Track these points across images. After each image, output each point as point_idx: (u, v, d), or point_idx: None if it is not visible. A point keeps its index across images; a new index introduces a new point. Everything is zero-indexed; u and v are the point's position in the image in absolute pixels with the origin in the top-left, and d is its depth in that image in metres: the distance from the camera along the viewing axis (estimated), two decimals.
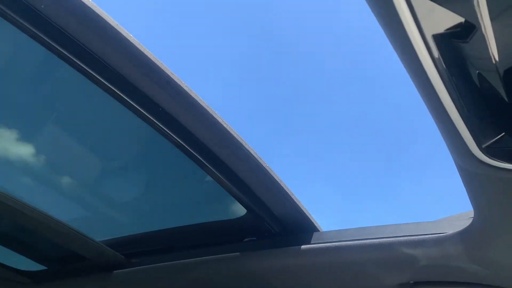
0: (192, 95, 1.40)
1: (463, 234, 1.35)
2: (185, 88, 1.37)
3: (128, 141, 1.93)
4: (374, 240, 1.53)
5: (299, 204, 1.71)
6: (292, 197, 1.69)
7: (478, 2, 0.56)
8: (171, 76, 1.35)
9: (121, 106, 1.44)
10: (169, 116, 1.43)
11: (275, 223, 1.78)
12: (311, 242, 1.66)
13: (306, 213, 1.74)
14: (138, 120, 1.48)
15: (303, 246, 1.65)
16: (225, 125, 1.47)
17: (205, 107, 1.43)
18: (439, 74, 0.71)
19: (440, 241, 1.40)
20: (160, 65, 1.32)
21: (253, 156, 1.56)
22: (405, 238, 1.47)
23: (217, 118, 1.45)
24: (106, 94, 1.39)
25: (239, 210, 1.83)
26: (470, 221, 1.32)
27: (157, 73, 1.32)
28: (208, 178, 1.67)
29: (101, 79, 1.34)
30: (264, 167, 1.58)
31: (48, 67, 1.57)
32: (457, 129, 0.78)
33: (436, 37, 0.65)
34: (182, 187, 2.06)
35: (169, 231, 2.04)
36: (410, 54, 0.68)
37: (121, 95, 1.38)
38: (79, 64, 1.28)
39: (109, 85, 1.36)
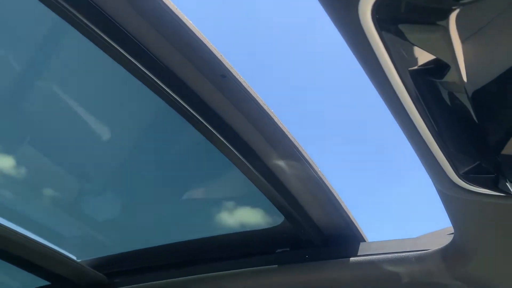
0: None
1: (444, 251, 1.36)
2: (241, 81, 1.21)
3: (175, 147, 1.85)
4: (357, 257, 1.53)
5: (347, 211, 1.54)
6: (341, 203, 1.51)
7: (450, 42, 0.58)
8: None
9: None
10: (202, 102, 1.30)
11: (315, 232, 1.62)
12: (358, 254, 1.53)
13: (354, 222, 1.58)
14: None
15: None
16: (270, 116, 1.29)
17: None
18: (416, 107, 0.72)
19: (421, 259, 1.41)
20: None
21: (298, 152, 1.36)
22: (388, 255, 1.48)
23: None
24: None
25: (272, 218, 1.68)
26: (450, 237, 1.34)
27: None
28: (244, 183, 1.51)
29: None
30: (310, 165, 1.38)
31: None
32: (435, 158, 0.80)
33: (412, 73, 0.66)
34: (209, 191, 1.94)
35: (172, 246, 1.94)
36: (388, 90, 0.69)
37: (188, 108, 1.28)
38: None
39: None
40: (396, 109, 0.74)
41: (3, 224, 1.84)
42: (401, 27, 0.59)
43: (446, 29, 0.55)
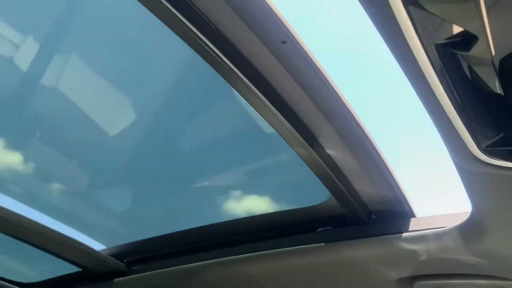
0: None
1: (461, 228, 1.38)
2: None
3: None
4: (376, 237, 1.55)
5: (399, 185, 1.45)
6: (394, 176, 1.42)
7: (479, 13, 0.58)
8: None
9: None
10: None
11: (363, 208, 1.55)
12: (409, 230, 1.46)
13: (405, 196, 1.49)
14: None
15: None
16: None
17: None
18: (440, 81, 0.72)
19: (439, 236, 1.43)
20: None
21: (354, 123, 1.25)
22: (405, 234, 1.49)
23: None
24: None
25: (316, 195, 1.60)
26: (467, 215, 1.35)
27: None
28: (291, 159, 1.43)
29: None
30: (363, 131, 1.27)
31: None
32: (457, 132, 0.80)
33: (437, 47, 0.66)
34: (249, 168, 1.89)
35: (195, 230, 1.91)
36: (411, 64, 0.70)
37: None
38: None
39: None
40: (418, 84, 0.75)
41: (24, 215, 1.88)
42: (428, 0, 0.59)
43: (476, 3, 0.55)
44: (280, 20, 1.00)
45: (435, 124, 0.85)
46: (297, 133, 1.30)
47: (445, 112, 0.77)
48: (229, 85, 1.20)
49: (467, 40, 0.64)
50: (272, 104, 1.22)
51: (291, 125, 1.28)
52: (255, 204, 1.97)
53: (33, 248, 2.05)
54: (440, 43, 0.66)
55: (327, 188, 1.50)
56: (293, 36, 1.03)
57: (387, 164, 1.39)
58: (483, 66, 0.70)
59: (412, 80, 0.76)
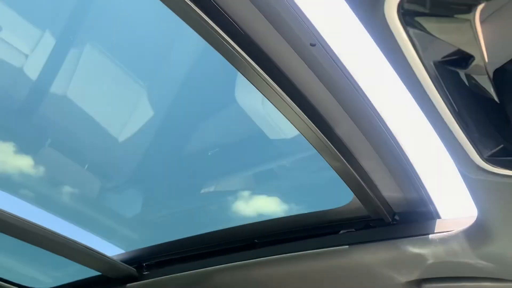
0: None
1: (467, 232, 1.39)
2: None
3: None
4: (382, 240, 1.57)
5: (424, 184, 1.41)
6: (419, 176, 1.38)
7: (473, 33, 0.60)
8: None
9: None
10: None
11: (387, 210, 1.52)
12: (435, 231, 1.44)
13: (430, 196, 1.46)
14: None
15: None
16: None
17: None
18: (440, 95, 0.75)
19: (445, 239, 1.44)
20: None
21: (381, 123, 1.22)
22: (411, 237, 1.51)
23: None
24: None
25: (339, 198, 1.59)
26: (473, 219, 1.36)
27: None
28: (314, 160, 1.42)
29: None
30: (390, 133, 1.24)
31: None
32: (460, 143, 0.82)
33: (436, 64, 0.69)
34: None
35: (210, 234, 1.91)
36: (412, 80, 0.72)
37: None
38: None
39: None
40: (420, 99, 0.77)
41: (37, 223, 1.92)
42: (425, 21, 0.61)
43: (471, 22, 0.58)
44: (309, 21, 0.98)
45: (438, 135, 0.87)
46: (323, 135, 1.28)
47: (446, 124, 0.79)
48: (254, 87, 1.18)
49: (464, 58, 0.66)
50: (298, 106, 1.20)
51: (316, 127, 1.25)
52: (277, 207, 1.98)
53: (46, 254, 2.09)
54: (438, 61, 0.68)
55: (351, 189, 1.47)
56: (323, 39, 1.01)
57: (412, 164, 1.35)
58: (480, 78, 0.72)
59: (414, 94, 0.78)
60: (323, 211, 1.69)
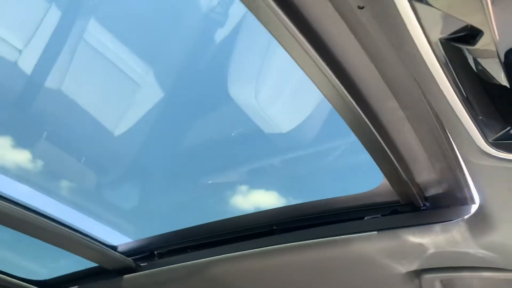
0: None
1: (469, 221, 1.38)
2: None
3: None
4: (383, 230, 1.55)
5: (463, 168, 1.26)
6: (458, 157, 1.21)
7: (483, 7, 0.58)
8: None
9: None
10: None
11: (418, 194, 1.45)
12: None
13: (467, 181, 1.35)
14: None
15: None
16: None
17: None
18: (445, 74, 0.72)
19: (447, 229, 1.43)
20: None
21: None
22: (412, 227, 1.50)
23: None
24: None
25: (368, 181, 1.52)
26: (475, 208, 1.35)
27: None
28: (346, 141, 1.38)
29: None
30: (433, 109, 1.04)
31: None
32: (464, 126, 0.80)
33: (442, 41, 0.66)
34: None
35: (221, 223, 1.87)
36: (417, 59, 0.70)
37: None
38: None
39: None
40: (424, 79, 0.74)
41: (33, 213, 1.90)
42: None
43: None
44: None
45: (442, 120, 0.84)
46: (359, 110, 1.13)
47: (451, 106, 0.77)
48: (284, 49, 1.02)
49: (472, 34, 0.63)
50: (334, 74, 1.05)
51: (352, 99, 1.11)
52: (298, 193, 1.93)
53: (42, 245, 2.07)
54: (445, 38, 0.66)
55: (382, 171, 1.37)
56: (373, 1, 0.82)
57: (454, 146, 1.18)
58: (488, 59, 0.70)
59: (417, 75, 0.75)
60: (347, 196, 1.63)
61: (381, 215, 1.57)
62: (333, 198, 1.68)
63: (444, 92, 0.75)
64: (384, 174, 1.39)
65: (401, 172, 1.34)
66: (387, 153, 1.26)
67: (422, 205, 1.50)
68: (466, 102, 0.76)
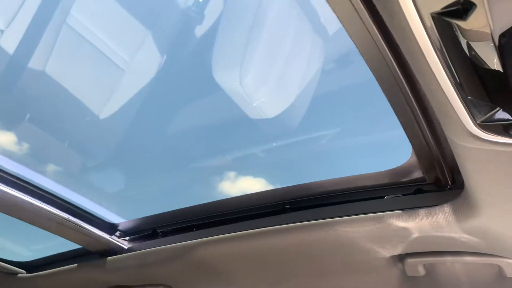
0: None
1: (454, 205, 1.38)
2: None
3: None
4: (367, 214, 1.55)
5: None
6: None
7: None
8: None
9: None
10: None
11: (448, 173, 1.36)
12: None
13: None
14: None
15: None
16: None
17: None
18: (436, 54, 0.71)
19: (431, 213, 1.43)
20: None
21: None
22: (397, 211, 1.50)
23: None
24: None
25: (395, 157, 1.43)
26: (460, 192, 1.35)
27: None
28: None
29: None
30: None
31: None
32: (452, 107, 0.79)
33: (434, 16, 0.64)
34: None
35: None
36: (407, 35, 0.68)
37: None
38: None
39: None
40: (414, 57, 0.73)
41: (12, 193, 1.86)
42: None
43: None
44: None
45: (429, 98, 0.83)
46: (399, 73, 0.97)
47: (440, 86, 0.76)
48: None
49: (465, 8, 0.62)
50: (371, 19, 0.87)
51: (392, 58, 0.95)
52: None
53: (25, 227, 2.04)
54: (436, 12, 0.64)
55: (412, 144, 1.26)
56: None
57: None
58: (480, 40, 0.68)
59: (406, 49, 0.74)
60: (367, 174, 1.55)
61: (402, 194, 1.50)
62: (351, 176, 1.60)
63: (433, 70, 0.73)
64: (413, 147, 1.29)
65: (434, 147, 1.23)
66: (420, 118, 1.13)
67: (450, 184, 1.41)
68: (456, 81, 0.75)
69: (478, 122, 0.81)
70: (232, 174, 2.16)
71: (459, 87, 0.75)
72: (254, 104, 1.98)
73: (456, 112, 0.80)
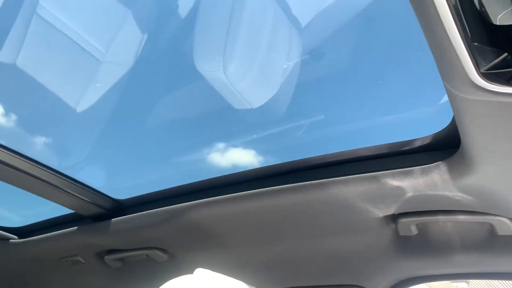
0: None
1: (449, 163, 1.37)
2: None
3: None
4: (361, 174, 1.54)
5: None
6: None
7: None
8: None
9: None
10: None
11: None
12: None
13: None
14: None
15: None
16: None
17: None
18: None
19: (426, 172, 1.42)
20: None
21: None
22: (392, 170, 1.49)
23: None
24: None
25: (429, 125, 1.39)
26: (456, 149, 1.34)
27: None
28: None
29: None
30: None
31: None
32: (456, 53, 0.76)
33: None
34: None
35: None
36: None
37: None
38: None
39: None
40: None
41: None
42: None
43: None
44: None
45: (430, 44, 0.79)
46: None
47: (444, 29, 0.72)
48: None
49: None
50: None
51: None
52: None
53: (15, 192, 2.00)
54: None
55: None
56: None
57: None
58: None
59: None
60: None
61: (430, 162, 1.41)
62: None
63: (440, 12, 0.69)
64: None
65: None
66: None
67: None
68: (462, 26, 0.71)
69: (482, 70, 0.78)
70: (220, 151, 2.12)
71: (465, 31, 0.71)
72: (238, 94, 1.93)
73: (459, 59, 0.77)
